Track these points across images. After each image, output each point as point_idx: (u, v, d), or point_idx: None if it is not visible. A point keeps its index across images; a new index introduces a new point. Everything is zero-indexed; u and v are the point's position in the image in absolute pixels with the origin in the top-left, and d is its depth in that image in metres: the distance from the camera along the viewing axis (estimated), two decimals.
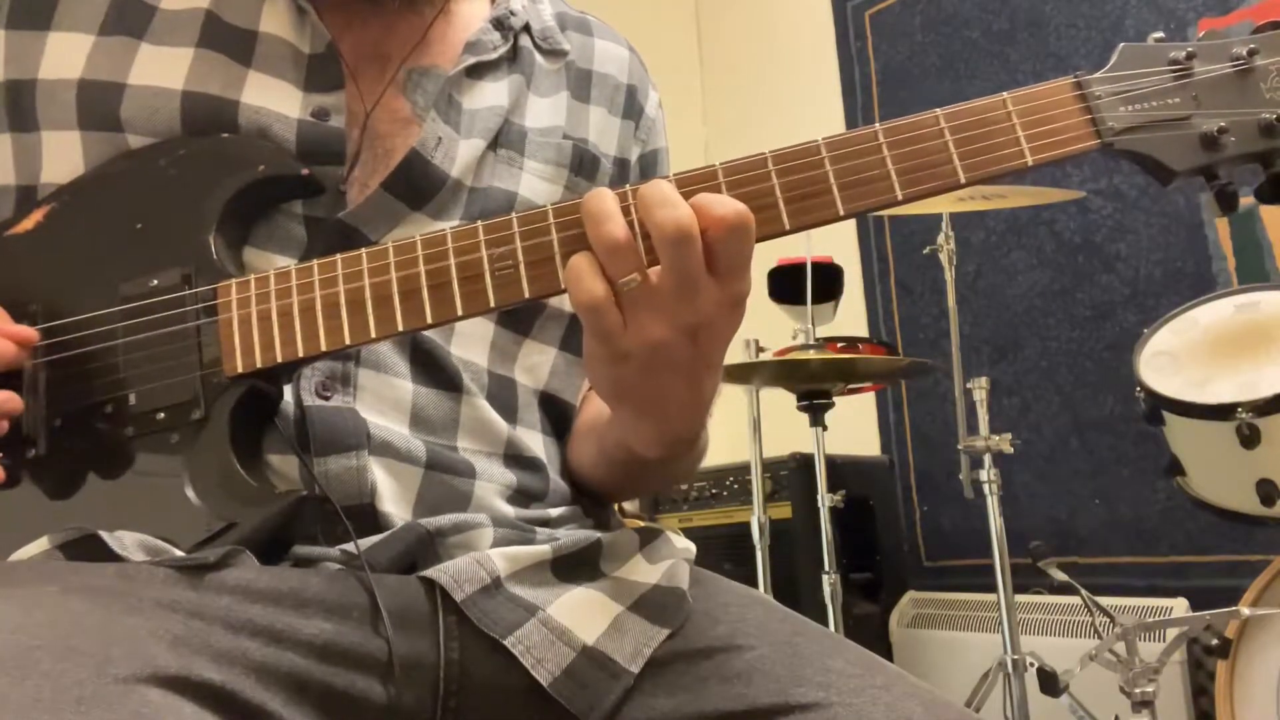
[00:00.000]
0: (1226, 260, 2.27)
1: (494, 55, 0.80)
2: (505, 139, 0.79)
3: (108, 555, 0.59)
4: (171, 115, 0.70)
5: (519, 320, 0.78)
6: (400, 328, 0.63)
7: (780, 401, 2.23)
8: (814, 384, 2.06)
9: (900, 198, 0.63)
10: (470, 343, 0.75)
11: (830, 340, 2.09)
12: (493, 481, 0.72)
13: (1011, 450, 1.91)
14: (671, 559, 0.73)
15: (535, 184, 0.79)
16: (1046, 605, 2.25)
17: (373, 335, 0.64)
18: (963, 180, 0.63)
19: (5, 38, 0.73)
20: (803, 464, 2.34)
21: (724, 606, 0.69)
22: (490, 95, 0.79)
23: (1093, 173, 2.46)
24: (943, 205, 1.97)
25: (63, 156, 0.71)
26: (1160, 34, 0.67)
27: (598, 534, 0.71)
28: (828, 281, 2.14)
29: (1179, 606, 2.13)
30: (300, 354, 0.64)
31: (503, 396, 0.76)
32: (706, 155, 3.18)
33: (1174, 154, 0.64)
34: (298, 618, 0.58)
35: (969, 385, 1.97)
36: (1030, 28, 2.65)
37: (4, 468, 0.64)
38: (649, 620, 0.66)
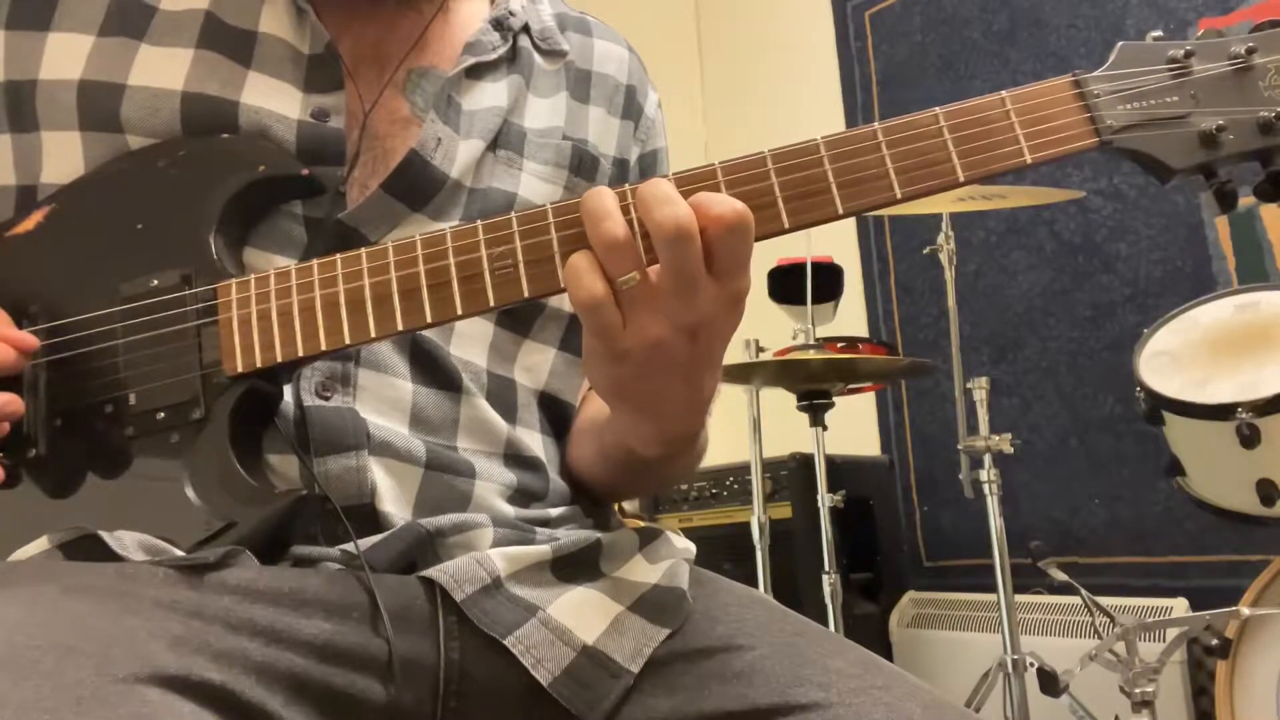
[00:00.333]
0: (1226, 260, 2.27)
1: (493, 56, 0.80)
2: (504, 140, 0.79)
3: (108, 555, 0.59)
4: (171, 116, 0.70)
5: (518, 320, 0.78)
6: (400, 327, 0.63)
7: (780, 401, 2.23)
8: (814, 384, 2.06)
9: (899, 197, 0.63)
10: (469, 343, 0.75)
11: (830, 340, 2.09)
12: (493, 481, 0.72)
13: (1011, 450, 1.91)
14: (671, 559, 0.73)
15: (534, 185, 0.79)
16: (1046, 605, 2.25)
17: (372, 335, 0.64)
18: (962, 179, 0.63)
19: (5, 38, 0.73)
20: (803, 464, 2.35)
21: (724, 606, 0.69)
22: (489, 96, 0.79)
23: (1093, 172, 2.46)
24: (943, 205, 1.97)
25: (63, 157, 0.71)
26: (1159, 33, 0.67)
27: (598, 534, 0.71)
28: (828, 281, 2.14)
29: (1179, 606, 2.13)
30: (300, 353, 0.64)
31: (502, 396, 0.76)
32: (706, 155, 3.17)
33: (1172, 152, 0.64)
34: (298, 618, 0.58)
35: (969, 385, 1.97)
36: (1030, 28, 2.65)
37: (4, 468, 0.64)
38: (649, 620, 0.66)
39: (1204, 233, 2.31)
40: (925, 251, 2.14)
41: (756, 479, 2.17)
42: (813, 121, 3.11)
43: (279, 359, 0.64)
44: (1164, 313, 1.80)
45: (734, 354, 1.70)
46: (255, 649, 0.55)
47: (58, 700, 0.46)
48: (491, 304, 0.63)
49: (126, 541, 0.60)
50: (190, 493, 0.63)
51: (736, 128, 3.43)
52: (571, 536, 0.70)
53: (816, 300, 2.05)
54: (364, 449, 0.67)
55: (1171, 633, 1.71)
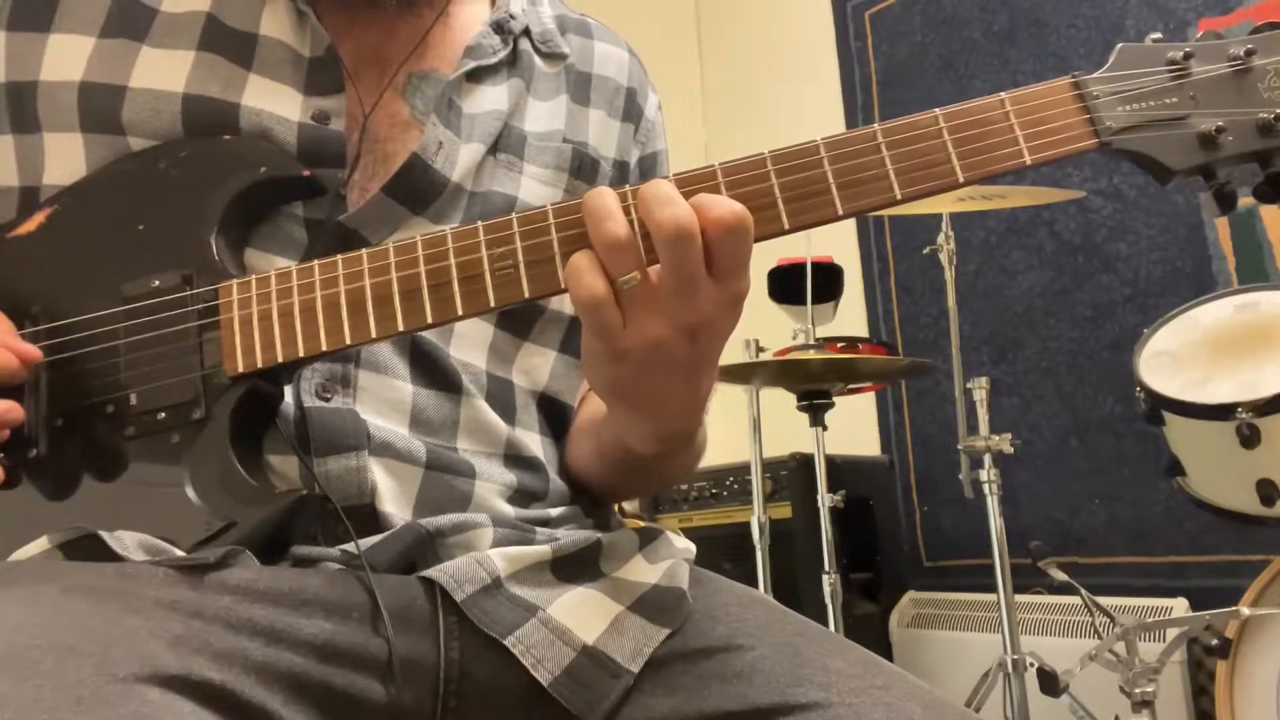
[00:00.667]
0: (1226, 260, 2.27)
1: (494, 59, 0.80)
2: (505, 143, 0.79)
3: (108, 555, 0.59)
4: (173, 118, 0.70)
5: (518, 323, 0.78)
6: (401, 327, 0.64)
7: (780, 401, 2.23)
8: (814, 384, 2.06)
9: (899, 197, 0.63)
10: (469, 345, 0.75)
11: (830, 340, 2.10)
12: (493, 481, 0.72)
13: (1011, 450, 1.91)
14: (671, 559, 0.73)
15: (535, 188, 0.79)
16: (1046, 605, 2.25)
17: (373, 335, 0.64)
18: (961, 180, 0.63)
19: (6, 39, 0.73)
20: (803, 464, 2.35)
21: (724, 606, 0.69)
22: (490, 99, 0.79)
23: (1093, 173, 2.46)
24: (942, 205, 1.97)
25: (64, 158, 0.71)
26: (1158, 34, 0.67)
27: (597, 534, 0.71)
28: (828, 281, 2.14)
29: (1179, 606, 2.14)
30: (301, 354, 0.64)
31: (501, 397, 0.76)
32: (706, 155, 3.18)
33: (1172, 153, 0.64)
34: (298, 617, 0.58)
35: (969, 385, 1.97)
36: (1030, 28, 2.65)
37: (4, 468, 0.64)
38: (649, 620, 0.66)
39: (1204, 233, 2.31)
40: (925, 251, 2.14)
41: (756, 479, 2.17)
42: (813, 122, 3.11)
43: (280, 359, 0.64)
44: (1164, 313, 1.80)
45: (734, 354, 1.70)
46: (255, 649, 0.55)
47: (58, 700, 0.46)
48: (492, 304, 0.63)
49: (127, 541, 0.60)
50: (191, 493, 0.63)
51: (736, 129, 3.43)
52: (571, 536, 0.70)
53: (816, 300, 2.05)
54: (364, 449, 0.67)
55: (1171, 633, 1.71)
